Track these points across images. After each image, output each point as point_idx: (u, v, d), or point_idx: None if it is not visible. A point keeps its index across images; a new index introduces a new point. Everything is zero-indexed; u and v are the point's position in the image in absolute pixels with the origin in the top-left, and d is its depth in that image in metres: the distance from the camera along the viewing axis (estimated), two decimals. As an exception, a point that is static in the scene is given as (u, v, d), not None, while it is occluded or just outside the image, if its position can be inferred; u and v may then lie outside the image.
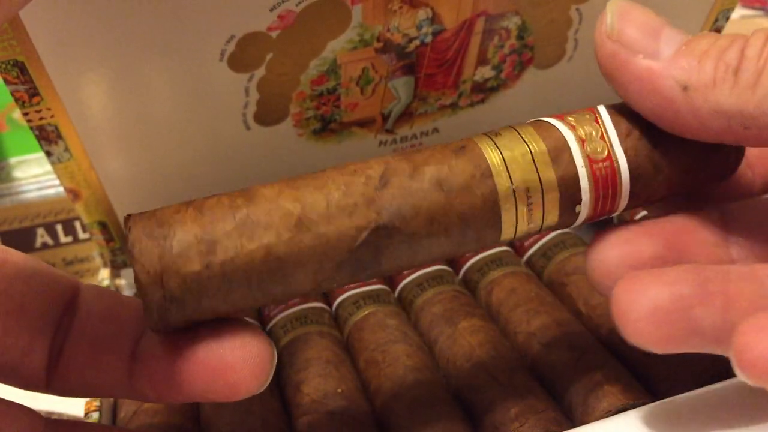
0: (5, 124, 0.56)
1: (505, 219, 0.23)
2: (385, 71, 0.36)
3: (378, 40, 0.35)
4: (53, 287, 0.19)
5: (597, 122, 0.24)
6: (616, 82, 0.23)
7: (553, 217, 0.23)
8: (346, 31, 0.33)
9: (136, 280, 0.19)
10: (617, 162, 0.23)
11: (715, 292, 0.20)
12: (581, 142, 0.23)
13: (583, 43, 0.39)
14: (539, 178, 0.23)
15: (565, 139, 0.23)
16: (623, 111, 0.24)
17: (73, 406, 0.36)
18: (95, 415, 0.31)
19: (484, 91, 0.40)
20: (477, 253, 0.39)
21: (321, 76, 0.35)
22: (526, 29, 0.37)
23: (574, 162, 0.23)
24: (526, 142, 0.23)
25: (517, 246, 0.41)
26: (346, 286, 0.38)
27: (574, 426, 0.28)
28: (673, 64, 0.21)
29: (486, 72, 0.39)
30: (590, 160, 0.23)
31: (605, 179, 0.23)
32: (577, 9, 0.37)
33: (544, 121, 0.24)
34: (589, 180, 0.23)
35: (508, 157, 0.23)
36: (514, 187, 0.23)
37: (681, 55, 0.21)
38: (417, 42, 0.35)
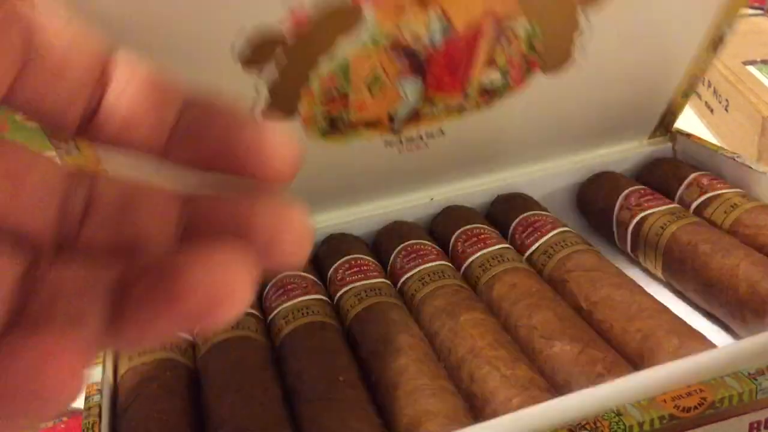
0: (6, 124, 0.57)
1: None
2: (394, 71, 0.37)
3: (388, 40, 0.35)
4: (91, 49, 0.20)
5: None
6: None
7: None
8: (357, 31, 0.34)
9: None
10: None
11: None
12: None
13: (590, 48, 0.40)
14: None
15: None
16: None
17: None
18: (96, 398, 0.31)
19: (490, 93, 0.40)
20: (478, 249, 0.39)
21: (331, 75, 0.36)
22: (533, 33, 0.38)
23: None
24: None
25: (518, 244, 0.41)
26: (347, 279, 0.38)
27: (574, 416, 0.28)
28: None
29: (493, 75, 0.39)
30: None
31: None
32: (585, 14, 0.37)
33: None
34: None
35: None
36: None
37: None
38: (426, 43, 0.36)
